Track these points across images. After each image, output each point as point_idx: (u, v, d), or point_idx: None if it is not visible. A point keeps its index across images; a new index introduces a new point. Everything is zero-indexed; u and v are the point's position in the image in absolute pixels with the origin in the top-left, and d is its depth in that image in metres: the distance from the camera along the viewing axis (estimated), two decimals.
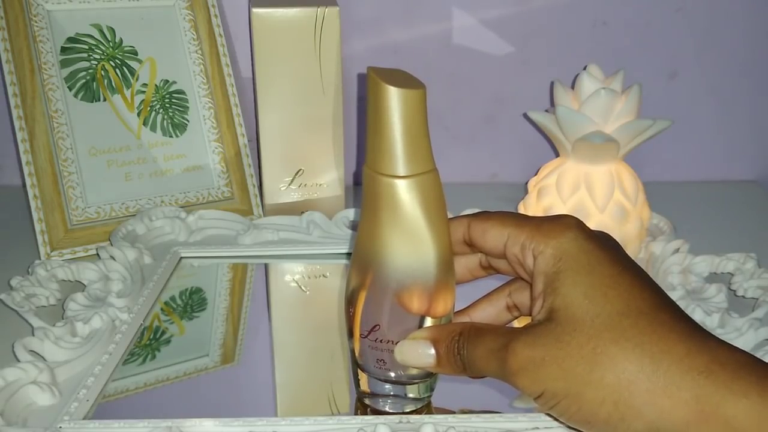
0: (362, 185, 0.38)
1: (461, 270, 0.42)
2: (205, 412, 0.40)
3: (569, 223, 0.36)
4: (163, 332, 0.51)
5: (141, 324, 0.50)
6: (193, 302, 0.55)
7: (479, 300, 0.42)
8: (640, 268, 0.36)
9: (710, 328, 0.47)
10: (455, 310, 0.41)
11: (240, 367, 0.49)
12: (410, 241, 0.36)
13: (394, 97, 0.34)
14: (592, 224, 0.54)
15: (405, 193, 0.36)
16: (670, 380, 0.31)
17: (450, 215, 0.41)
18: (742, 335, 0.46)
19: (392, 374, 0.40)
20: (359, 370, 0.41)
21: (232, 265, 0.60)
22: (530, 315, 0.37)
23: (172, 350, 0.50)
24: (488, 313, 0.41)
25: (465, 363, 0.37)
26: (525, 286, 0.40)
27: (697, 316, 0.48)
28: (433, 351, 0.37)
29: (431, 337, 0.38)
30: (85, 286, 0.53)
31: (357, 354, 0.40)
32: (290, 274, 0.60)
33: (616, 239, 0.53)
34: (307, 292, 0.58)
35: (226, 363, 0.49)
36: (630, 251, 0.56)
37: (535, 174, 0.60)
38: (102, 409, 0.42)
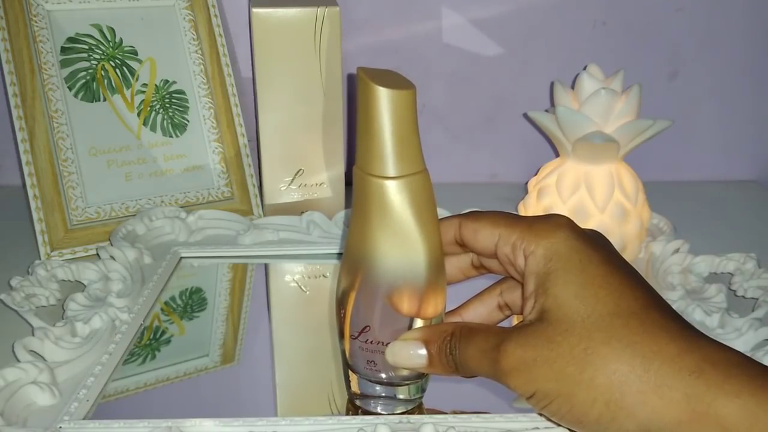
0: (353, 186, 0.38)
1: (453, 270, 0.41)
2: (205, 412, 0.40)
3: (560, 223, 0.36)
4: (163, 332, 0.51)
5: (141, 324, 0.50)
6: (193, 302, 0.55)
7: (470, 300, 0.42)
8: (632, 267, 0.36)
9: (710, 328, 0.47)
10: (446, 311, 0.41)
11: (240, 367, 0.49)
12: (401, 242, 0.36)
13: (383, 98, 0.34)
14: (592, 224, 0.54)
15: (395, 194, 0.36)
16: (661, 380, 0.31)
17: (447, 215, 0.41)
18: (742, 335, 0.46)
19: (383, 375, 0.40)
20: (350, 372, 0.41)
21: (232, 265, 0.60)
22: (521, 314, 0.37)
23: (172, 350, 0.50)
24: (480, 313, 0.41)
25: (457, 363, 0.37)
26: (516, 285, 0.40)
27: (697, 316, 0.48)
28: (424, 351, 0.37)
29: (422, 338, 0.38)
30: (85, 286, 0.53)
31: (348, 355, 0.40)
32: (290, 274, 0.60)
33: (616, 239, 0.54)
34: (307, 292, 0.58)
35: (226, 363, 0.49)
36: (630, 251, 0.56)
37: (535, 174, 0.60)
38: (102, 409, 0.42)
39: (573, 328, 0.33)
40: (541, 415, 0.38)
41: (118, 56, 0.64)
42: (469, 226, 0.39)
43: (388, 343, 0.38)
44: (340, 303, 0.39)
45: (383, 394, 0.40)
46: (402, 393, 0.41)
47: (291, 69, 0.61)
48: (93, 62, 0.63)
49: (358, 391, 0.41)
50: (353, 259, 0.38)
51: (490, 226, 0.38)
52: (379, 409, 0.41)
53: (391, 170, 0.35)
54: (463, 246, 0.40)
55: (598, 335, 0.33)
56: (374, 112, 0.35)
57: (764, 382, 0.31)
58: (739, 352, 0.32)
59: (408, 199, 0.36)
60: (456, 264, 0.41)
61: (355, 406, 0.42)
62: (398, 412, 0.41)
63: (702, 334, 0.33)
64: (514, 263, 0.37)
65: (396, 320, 0.38)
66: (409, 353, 0.38)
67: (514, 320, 0.44)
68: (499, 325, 0.41)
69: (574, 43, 0.73)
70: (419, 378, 0.40)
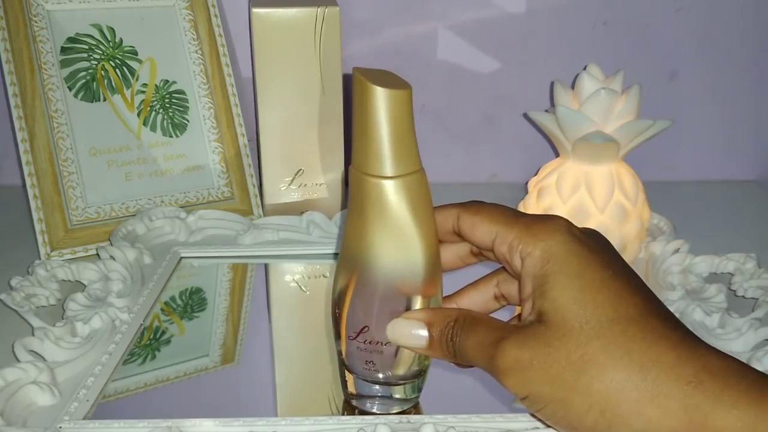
0: (349, 186, 0.38)
1: (452, 257, 0.41)
2: (205, 412, 0.40)
3: (558, 224, 0.36)
4: (163, 332, 0.51)
5: (141, 324, 0.50)
6: (193, 302, 0.55)
7: (467, 287, 0.41)
8: (632, 270, 0.36)
9: (710, 328, 0.47)
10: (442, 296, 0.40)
11: (240, 367, 0.49)
12: (397, 242, 0.36)
13: (380, 98, 0.34)
14: (592, 224, 0.54)
15: (392, 193, 0.36)
16: (658, 390, 0.31)
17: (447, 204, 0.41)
18: (742, 335, 0.46)
19: (381, 375, 0.40)
20: (346, 372, 0.41)
21: (232, 265, 0.60)
22: (519, 305, 0.37)
23: (172, 350, 0.50)
24: (475, 302, 0.41)
25: (455, 350, 0.36)
26: (512, 278, 0.39)
27: (697, 316, 0.48)
28: (425, 333, 0.37)
29: (426, 319, 0.37)
30: (85, 286, 0.53)
31: (344, 355, 0.40)
32: (290, 274, 0.60)
33: (616, 239, 0.54)
34: (307, 292, 0.58)
35: (226, 363, 0.49)
36: (630, 251, 0.56)
37: (535, 174, 0.60)
38: (102, 409, 0.42)
39: (571, 333, 0.33)
40: (533, 416, 0.38)
41: (118, 56, 0.64)
42: (466, 220, 0.38)
43: (387, 342, 0.38)
44: (336, 303, 0.39)
45: (380, 394, 0.40)
46: (398, 393, 0.40)
47: (291, 69, 0.61)
48: (93, 62, 0.63)
49: (355, 392, 0.41)
50: (349, 260, 0.38)
51: (488, 222, 0.38)
52: (375, 409, 0.41)
53: (387, 170, 0.35)
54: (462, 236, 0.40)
55: (596, 342, 0.32)
56: (370, 111, 0.35)
57: (762, 391, 0.30)
58: (737, 360, 0.32)
59: (405, 198, 0.36)
60: (455, 251, 0.41)
61: (352, 406, 0.42)
62: (394, 411, 0.41)
63: (701, 341, 0.33)
64: (511, 263, 0.37)
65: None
66: (410, 332, 0.37)
67: (517, 311, 0.44)
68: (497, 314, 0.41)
69: (574, 43, 0.73)
70: (416, 378, 0.40)
